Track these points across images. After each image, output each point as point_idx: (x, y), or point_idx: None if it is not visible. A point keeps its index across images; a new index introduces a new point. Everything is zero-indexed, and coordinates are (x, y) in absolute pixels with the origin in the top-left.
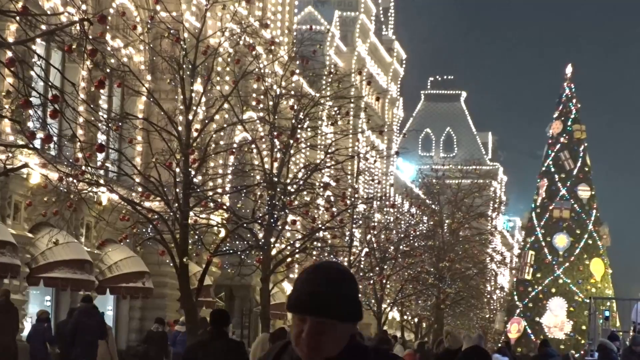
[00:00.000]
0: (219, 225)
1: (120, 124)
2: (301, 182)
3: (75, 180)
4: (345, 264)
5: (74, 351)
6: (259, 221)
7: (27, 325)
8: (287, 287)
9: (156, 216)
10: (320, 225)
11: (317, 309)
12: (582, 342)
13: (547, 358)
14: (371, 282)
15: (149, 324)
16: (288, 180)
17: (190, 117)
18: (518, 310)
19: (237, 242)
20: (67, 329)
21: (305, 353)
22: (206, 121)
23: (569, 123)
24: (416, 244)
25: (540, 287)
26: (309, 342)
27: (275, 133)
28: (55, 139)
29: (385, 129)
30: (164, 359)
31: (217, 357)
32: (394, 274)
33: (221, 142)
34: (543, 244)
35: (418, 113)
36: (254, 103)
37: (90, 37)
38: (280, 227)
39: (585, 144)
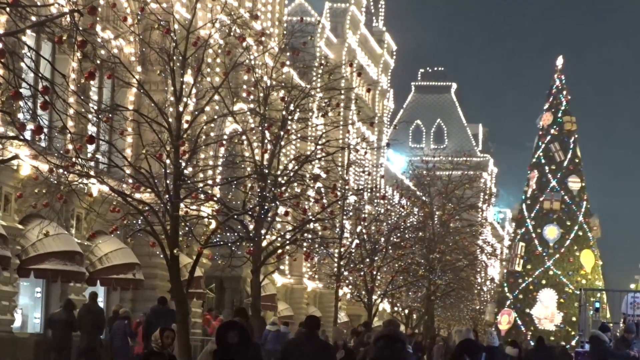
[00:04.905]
0: (210, 217)
1: (110, 115)
2: (292, 174)
3: (65, 172)
4: (336, 255)
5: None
6: (250, 213)
7: (17, 317)
8: (278, 279)
9: (147, 208)
10: (310, 217)
11: None
12: (573, 333)
13: (543, 351)
14: (362, 273)
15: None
16: (278, 172)
17: (181, 109)
18: (508, 302)
19: (228, 234)
20: (143, 326)
21: None
22: (196, 113)
23: (559, 115)
24: (407, 236)
25: (530, 279)
26: None
27: (265, 125)
28: (45, 130)
29: (376, 120)
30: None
31: (310, 356)
32: (385, 265)
33: (212, 134)
34: (533, 235)
35: (408, 105)
36: (244, 94)
37: (81, 28)
38: (270, 218)
39: (576, 136)
